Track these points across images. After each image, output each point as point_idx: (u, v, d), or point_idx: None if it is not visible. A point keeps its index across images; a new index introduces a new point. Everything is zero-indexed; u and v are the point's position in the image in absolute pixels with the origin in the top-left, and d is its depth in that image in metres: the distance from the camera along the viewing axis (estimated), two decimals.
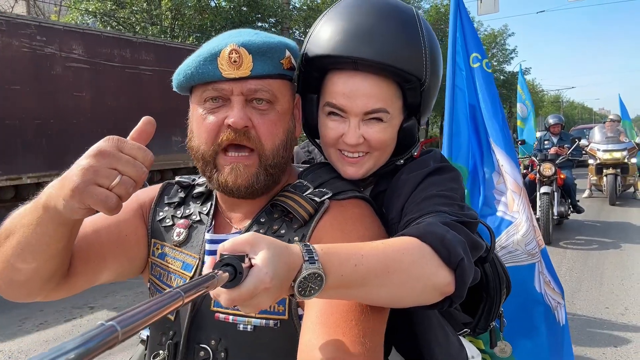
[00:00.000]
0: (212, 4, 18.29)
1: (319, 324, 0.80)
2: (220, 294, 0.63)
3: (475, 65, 2.45)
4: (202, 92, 0.96)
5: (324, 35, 1.08)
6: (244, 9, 17.26)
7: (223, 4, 18.41)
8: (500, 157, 2.23)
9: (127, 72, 8.91)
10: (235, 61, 0.91)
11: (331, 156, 1.12)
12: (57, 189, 0.77)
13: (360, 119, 1.06)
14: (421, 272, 0.79)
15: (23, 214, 0.86)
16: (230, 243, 0.65)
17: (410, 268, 0.78)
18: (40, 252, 0.86)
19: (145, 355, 1.17)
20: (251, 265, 0.63)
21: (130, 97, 8.79)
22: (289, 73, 1.00)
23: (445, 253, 0.81)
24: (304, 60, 1.09)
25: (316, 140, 1.20)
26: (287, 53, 0.98)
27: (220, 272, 0.60)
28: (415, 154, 1.20)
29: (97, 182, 0.72)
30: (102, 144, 0.75)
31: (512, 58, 38.54)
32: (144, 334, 2.21)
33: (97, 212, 0.77)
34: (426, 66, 1.07)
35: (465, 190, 2.16)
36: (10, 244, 0.87)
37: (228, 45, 0.92)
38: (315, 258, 0.68)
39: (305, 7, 20.83)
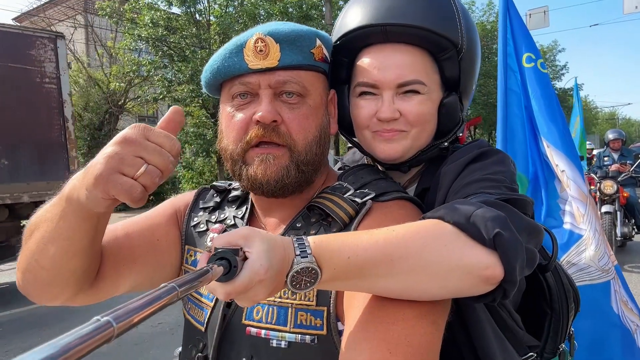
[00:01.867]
0: None
1: (362, 340, 0.70)
2: (215, 287, 0.62)
3: (529, 65, 2.28)
4: (230, 88, 0.91)
5: (351, 15, 1.04)
6: None
7: None
8: (561, 161, 2.02)
9: None
10: (261, 50, 0.86)
11: (366, 139, 1.05)
12: (80, 180, 0.73)
13: (394, 92, 0.99)
14: (438, 255, 0.69)
15: (47, 208, 0.82)
16: (225, 237, 0.64)
17: (421, 253, 0.69)
18: (64, 249, 0.80)
19: None
20: (245, 259, 0.62)
21: None
22: (321, 64, 0.93)
23: (474, 230, 0.70)
24: (333, 49, 1.03)
25: (354, 139, 1.12)
26: (318, 42, 0.92)
27: (214, 265, 0.59)
28: (461, 134, 1.10)
29: (122, 170, 0.68)
30: (128, 131, 0.71)
31: (562, 74, 37.29)
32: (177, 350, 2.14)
33: (122, 204, 0.72)
34: (461, 30, 0.99)
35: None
36: (34, 240, 0.83)
37: (254, 35, 0.87)
38: (308, 252, 0.66)
39: None
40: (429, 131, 1.04)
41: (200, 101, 17.74)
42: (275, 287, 0.65)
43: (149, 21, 16.65)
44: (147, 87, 18.82)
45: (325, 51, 0.94)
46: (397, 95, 0.99)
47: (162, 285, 0.51)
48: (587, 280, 1.76)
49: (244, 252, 0.63)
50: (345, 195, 0.91)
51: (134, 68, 17.75)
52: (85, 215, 0.77)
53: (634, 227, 7.69)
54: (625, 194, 7.32)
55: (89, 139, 18.20)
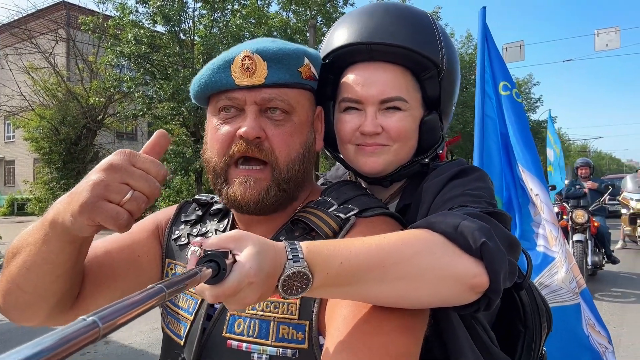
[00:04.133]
0: None
1: (343, 350, 0.70)
2: (204, 290, 0.61)
3: (506, 94, 2.38)
4: (217, 101, 0.92)
5: (338, 33, 1.08)
6: None
7: None
8: (535, 186, 2.10)
9: None
10: (248, 68, 0.87)
11: (349, 153, 1.07)
12: (65, 205, 0.73)
13: (377, 108, 1.03)
14: (429, 263, 0.70)
15: (30, 232, 0.81)
16: (215, 239, 0.63)
17: (412, 260, 0.69)
18: (47, 273, 0.80)
19: None
20: (235, 261, 0.61)
21: None
22: (308, 82, 0.95)
23: (462, 240, 0.72)
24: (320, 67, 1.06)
25: (338, 154, 1.14)
26: (306, 61, 0.93)
27: (203, 268, 0.58)
28: (441, 152, 1.13)
29: (108, 197, 0.68)
30: (113, 157, 0.71)
31: (537, 107, 38.45)
32: None
33: (106, 229, 0.72)
34: (442, 51, 1.05)
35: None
36: (15, 264, 0.82)
37: (242, 51, 0.88)
38: (300, 256, 0.65)
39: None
40: (410, 147, 1.07)
41: (180, 119, 17.65)
42: (265, 291, 0.64)
43: (132, 38, 16.62)
44: (127, 104, 18.66)
45: (313, 69, 0.95)
46: (379, 110, 1.03)
47: (150, 286, 0.50)
48: (559, 301, 1.81)
49: (234, 255, 0.62)
50: (329, 210, 0.92)
51: (114, 84, 17.62)
52: (69, 239, 0.76)
53: (604, 256, 7.85)
54: (595, 224, 7.48)
55: (64, 153, 17.88)
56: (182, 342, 0.93)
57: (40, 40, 19.23)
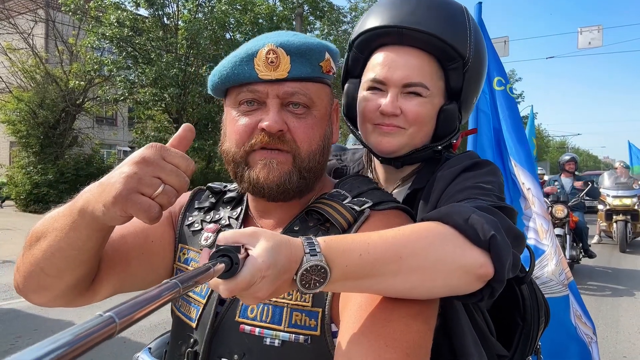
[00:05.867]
0: (227, 36, 18.72)
1: (359, 335, 0.72)
2: (217, 284, 0.62)
3: (500, 89, 2.41)
4: (237, 94, 0.91)
5: (373, 15, 1.12)
6: None
7: (238, 36, 18.84)
8: (527, 180, 2.14)
9: None
10: (272, 62, 0.87)
11: (367, 131, 1.12)
12: (96, 195, 0.74)
13: (399, 90, 1.06)
14: (443, 254, 0.72)
15: (56, 217, 0.82)
16: (229, 234, 0.64)
17: (427, 252, 0.72)
18: (71, 258, 0.82)
19: None
20: (248, 256, 0.62)
21: None
22: (327, 77, 0.96)
23: (472, 232, 0.74)
24: (352, 43, 1.13)
25: (357, 132, 1.18)
26: (327, 56, 0.94)
27: (217, 262, 0.59)
28: (455, 141, 1.17)
29: (141, 190, 0.71)
30: (145, 151, 0.73)
31: (519, 102, 39.03)
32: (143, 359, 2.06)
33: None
34: (470, 44, 1.08)
35: None
36: (40, 247, 0.83)
37: (265, 45, 0.88)
38: (317, 250, 0.66)
39: None
40: (425, 132, 1.09)
41: (162, 105, 17.40)
42: (280, 287, 0.65)
43: (114, 20, 16.27)
44: (107, 88, 18.29)
45: (332, 64, 0.96)
46: (401, 94, 1.06)
47: (165, 281, 0.51)
48: (549, 293, 1.86)
49: (246, 250, 0.63)
50: (344, 202, 0.93)
51: (95, 67, 17.25)
52: (97, 228, 0.78)
53: (582, 250, 8.06)
54: (574, 219, 7.67)
55: (42, 137, 17.46)
56: (194, 325, 0.94)
57: (18, 20, 18.65)
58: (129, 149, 24.49)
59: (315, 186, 0.98)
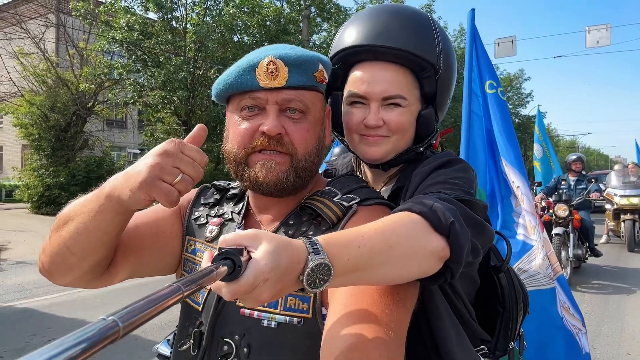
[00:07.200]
0: (235, 38, 18.85)
1: (344, 315, 0.81)
2: (220, 287, 0.64)
3: (491, 92, 2.49)
4: (240, 100, 1.01)
5: (347, 34, 1.22)
6: (265, 44, 17.75)
7: (245, 39, 18.97)
8: (516, 179, 2.23)
9: None
10: (272, 72, 0.97)
11: (354, 141, 1.21)
12: (122, 181, 0.85)
13: (380, 104, 1.15)
14: (416, 242, 0.79)
15: (83, 203, 0.93)
16: (231, 237, 0.66)
17: (407, 240, 0.78)
18: (96, 238, 0.92)
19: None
20: (250, 259, 0.64)
21: None
22: (321, 85, 1.06)
23: (435, 219, 0.82)
24: (331, 59, 1.21)
25: (344, 139, 1.27)
26: (320, 67, 1.04)
27: (219, 265, 0.60)
28: (434, 142, 1.26)
29: (163, 177, 0.82)
30: (166, 145, 0.83)
31: (527, 102, 38.79)
32: (162, 349, 2.17)
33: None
34: (439, 53, 1.17)
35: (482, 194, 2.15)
36: (68, 229, 0.93)
37: (266, 57, 0.98)
38: (320, 249, 0.68)
39: (324, 45, 21.34)
40: (407, 137, 1.20)
41: (171, 108, 17.56)
42: (283, 288, 0.67)
43: (124, 24, 16.47)
44: (117, 91, 18.52)
45: (325, 74, 1.06)
46: (382, 106, 1.16)
47: (167, 285, 0.52)
48: (536, 285, 1.94)
49: (249, 252, 0.64)
50: (334, 199, 1.03)
51: (105, 70, 17.47)
52: (121, 211, 0.89)
53: (588, 249, 8.04)
54: (577, 217, 7.63)
55: (53, 140, 17.72)
56: (200, 308, 1.04)
57: (30, 25, 18.96)
58: (138, 151, 24.73)
59: (310, 184, 1.08)
